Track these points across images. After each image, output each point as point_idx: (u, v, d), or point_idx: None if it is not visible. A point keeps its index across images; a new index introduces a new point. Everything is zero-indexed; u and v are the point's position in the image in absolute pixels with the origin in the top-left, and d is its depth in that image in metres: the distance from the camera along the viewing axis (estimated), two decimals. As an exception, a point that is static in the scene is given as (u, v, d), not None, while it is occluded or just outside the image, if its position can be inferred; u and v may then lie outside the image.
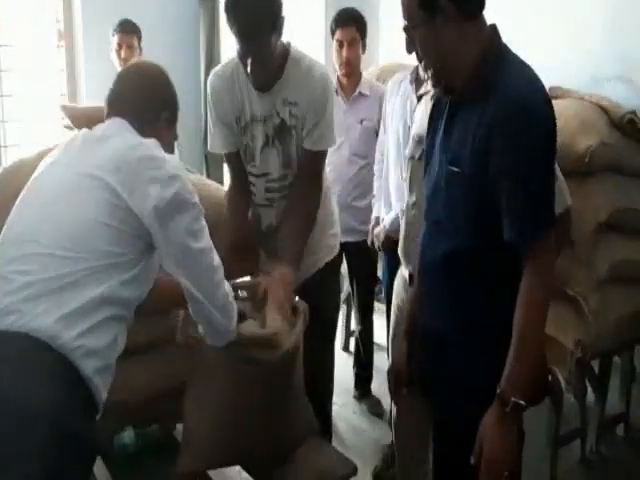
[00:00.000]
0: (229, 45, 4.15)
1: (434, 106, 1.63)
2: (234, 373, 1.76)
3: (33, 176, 1.61)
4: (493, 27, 1.46)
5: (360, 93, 3.11)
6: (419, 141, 2.02)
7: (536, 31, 3.55)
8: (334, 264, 2.39)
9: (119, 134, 1.57)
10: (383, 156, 2.78)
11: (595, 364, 2.68)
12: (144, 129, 1.60)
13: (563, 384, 2.45)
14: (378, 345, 3.46)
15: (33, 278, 1.39)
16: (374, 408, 3.30)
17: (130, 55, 3.55)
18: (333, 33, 3.07)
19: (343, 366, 3.44)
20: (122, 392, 1.57)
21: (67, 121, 2.89)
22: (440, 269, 1.52)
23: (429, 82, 1.75)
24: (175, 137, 1.77)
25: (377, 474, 2.78)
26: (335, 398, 2.60)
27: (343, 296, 3.74)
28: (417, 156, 2.04)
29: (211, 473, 1.91)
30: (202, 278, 1.54)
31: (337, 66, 3.11)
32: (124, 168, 1.48)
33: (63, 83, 4.09)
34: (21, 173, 1.86)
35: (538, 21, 3.57)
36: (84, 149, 1.57)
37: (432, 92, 1.88)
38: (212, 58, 4.35)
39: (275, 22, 1.92)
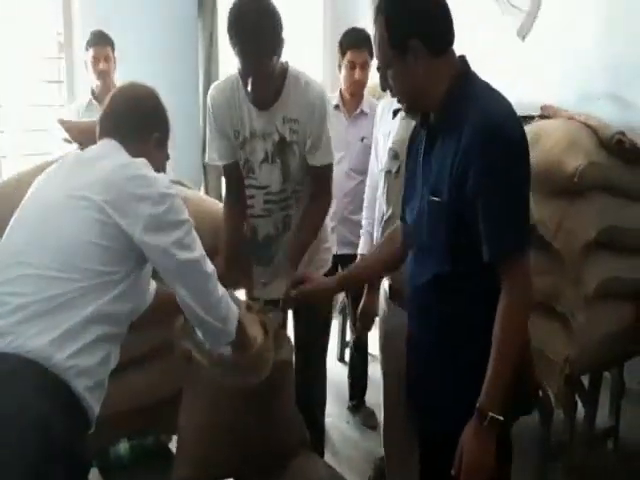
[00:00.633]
0: (227, 57, 4.20)
1: (414, 130, 1.68)
2: (224, 385, 1.78)
3: (26, 196, 1.63)
4: (462, 59, 1.53)
5: (362, 111, 3.16)
6: (394, 156, 2.07)
7: (526, 48, 3.61)
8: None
9: (109, 155, 1.59)
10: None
11: (585, 379, 2.71)
12: (135, 149, 1.63)
13: (553, 399, 2.48)
14: (373, 356, 3.49)
15: (25, 300, 1.41)
16: (368, 419, 3.33)
17: (108, 67, 3.51)
18: (344, 53, 3.10)
19: (338, 376, 3.47)
20: (117, 403, 1.60)
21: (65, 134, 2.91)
22: (427, 294, 1.57)
23: None
24: (167, 157, 1.80)
25: (369, 486, 2.80)
26: (329, 408, 2.63)
27: (338, 307, 3.78)
28: (394, 170, 2.09)
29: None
30: (196, 287, 1.57)
31: (345, 85, 3.16)
32: (114, 187, 1.50)
33: (63, 95, 4.11)
34: (20, 187, 1.89)
35: (529, 38, 3.63)
36: (74, 170, 1.59)
37: None
38: (210, 70, 4.37)
39: (277, 44, 1.98)
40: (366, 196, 2.83)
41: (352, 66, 3.09)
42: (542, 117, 2.69)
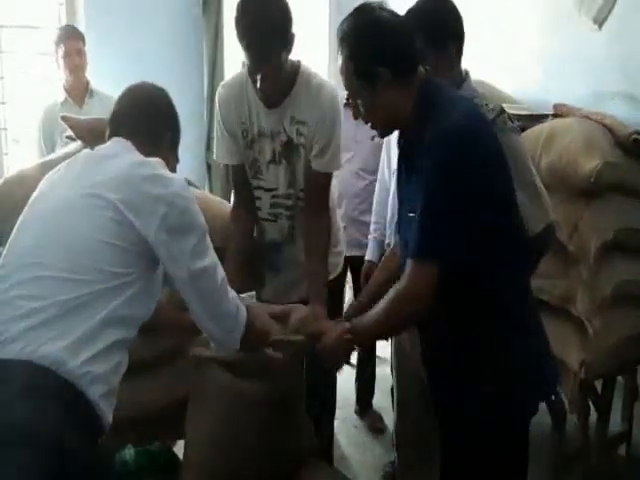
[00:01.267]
0: (232, 55, 4.16)
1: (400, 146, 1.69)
2: (233, 393, 1.76)
3: (34, 195, 1.59)
4: (426, 79, 1.53)
5: None
6: None
7: (538, 47, 3.56)
8: (338, 280, 2.40)
9: (122, 154, 1.55)
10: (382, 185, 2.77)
11: (598, 383, 2.67)
12: (148, 149, 1.59)
13: (566, 404, 2.44)
14: (380, 358, 3.45)
15: (38, 304, 1.37)
16: (375, 423, 3.28)
17: (81, 62, 3.43)
18: None
19: (345, 380, 3.42)
20: (123, 409, 1.56)
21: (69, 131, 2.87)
22: None
23: None
24: (177, 159, 1.75)
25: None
26: (336, 412, 2.59)
27: (347, 308, 3.73)
28: None
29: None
30: (204, 295, 1.54)
31: None
32: (128, 186, 1.47)
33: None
34: (23, 185, 1.86)
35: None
36: (85, 169, 1.55)
37: None
38: (215, 68, 4.34)
39: (285, 38, 1.91)
40: (375, 199, 2.79)
41: None
42: (555, 116, 2.65)
